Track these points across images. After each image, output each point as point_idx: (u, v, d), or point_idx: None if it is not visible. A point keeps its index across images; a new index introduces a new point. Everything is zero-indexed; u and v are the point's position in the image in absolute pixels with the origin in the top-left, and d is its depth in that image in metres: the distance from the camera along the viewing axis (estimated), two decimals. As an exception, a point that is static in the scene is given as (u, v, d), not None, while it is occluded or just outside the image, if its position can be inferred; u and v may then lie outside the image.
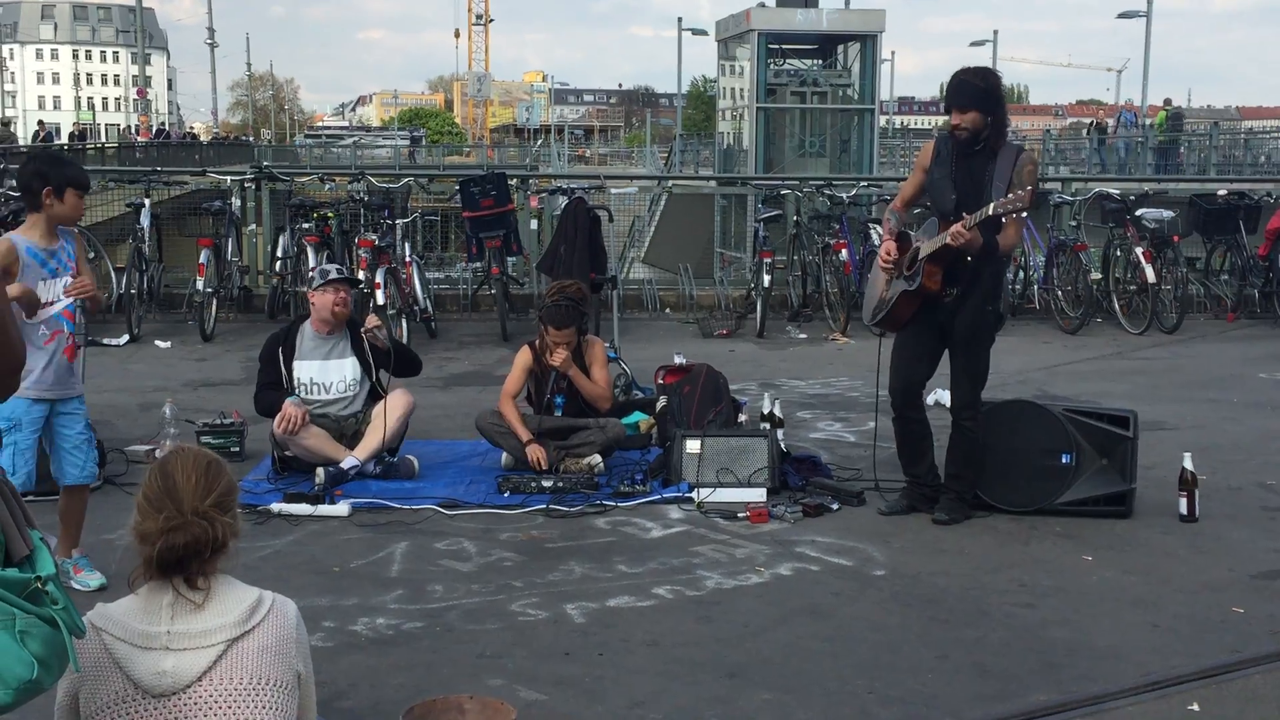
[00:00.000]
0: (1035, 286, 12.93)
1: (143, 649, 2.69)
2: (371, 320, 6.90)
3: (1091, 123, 34.38)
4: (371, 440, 6.70)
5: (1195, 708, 4.10)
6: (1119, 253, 12.47)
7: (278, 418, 6.61)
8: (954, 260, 5.83)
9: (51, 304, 5.10)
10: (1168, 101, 34.41)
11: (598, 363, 7.08)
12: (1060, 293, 12.46)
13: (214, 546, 2.74)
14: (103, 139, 66.03)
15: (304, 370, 6.86)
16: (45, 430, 5.19)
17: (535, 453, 6.76)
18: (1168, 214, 12.43)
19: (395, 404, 6.78)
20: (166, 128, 69.05)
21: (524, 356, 7.09)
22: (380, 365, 6.89)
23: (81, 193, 5.18)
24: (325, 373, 6.88)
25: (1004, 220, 5.73)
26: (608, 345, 7.65)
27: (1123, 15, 42.58)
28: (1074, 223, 12.86)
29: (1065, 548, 5.73)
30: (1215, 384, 9.69)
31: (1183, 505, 6.09)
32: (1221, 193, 13.56)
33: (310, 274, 11.05)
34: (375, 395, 6.93)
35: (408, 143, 47.64)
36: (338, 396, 6.88)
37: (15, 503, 2.36)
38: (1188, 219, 13.06)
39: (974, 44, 48.72)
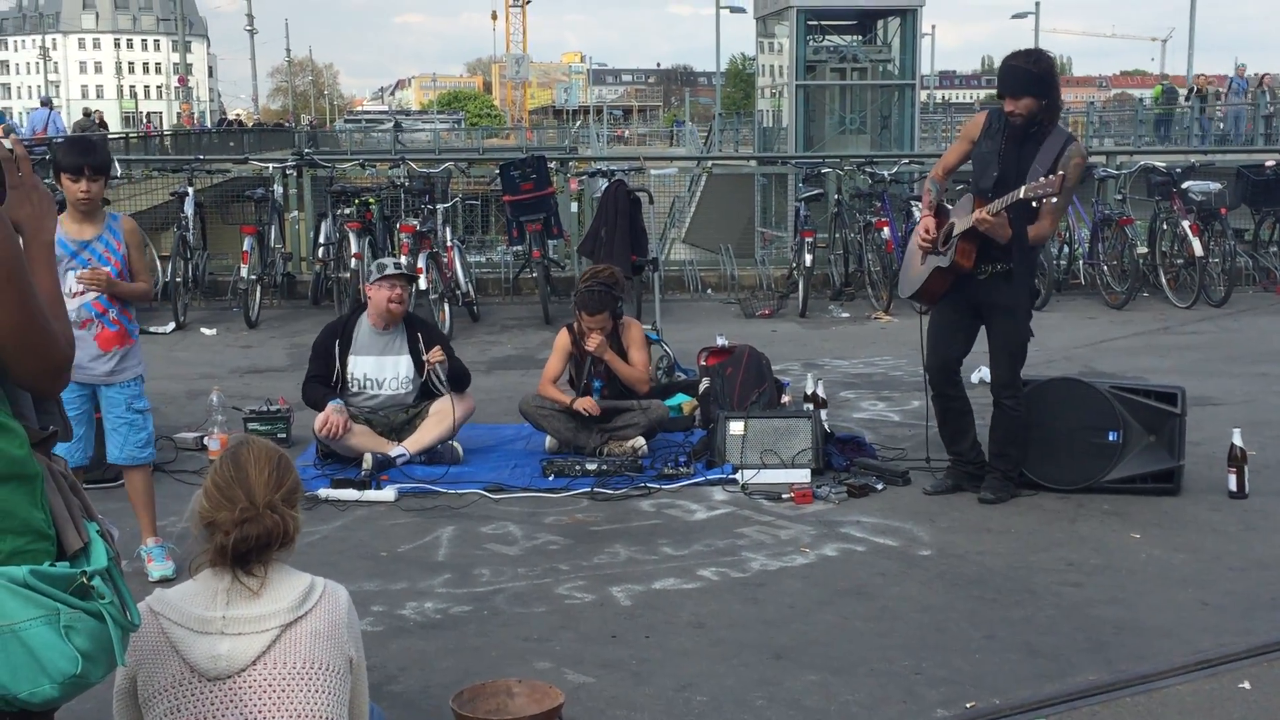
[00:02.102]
0: (1080, 261, 12.80)
1: (199, 633, 2.74)
2: (436, 355, 6.77)
3: (1191, 89, 32.48)
4: (425, 436, 6.69)
5: (1246, 686, 4.07)
6: (1165, 226, 12.32)
7: (319, 421, 6.61)
8: (988, 238, 5.77)
9: (81, 293, 5.10)
10: (1164, 77, 34.15)
11: (635, 345, 7.08)
12: (1106, 267, 12.34)
13: (283, 540, 2.80)
14: (141, 126, 66.59)
15: (358, 365, 6.85)
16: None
17: (584, 403, 6.78)
18: (1215, 186, 12.27)
19: (458, 406, 6.75)
20: (227, 115, 69.56)
21: (563, 340, 7.11)
22: (437, 389, 6.82)
23: (74, 176, 5.02)
24: (380, 369, 6.86)
25: (1036, 206, 5.66)
26: (649, 327, 7.65)
27: (1168, -17, 41.74)
28: (1119, 196, 12.73)
29: (1113, 526, 5.69)
30: (1265, 358, 9.57)
31: (1232, 482, 6.03)
32: (1269, 163, 13.35)
33: (349, 257, 11.24)
34: (428, 392, 6.91)
35: (392, 126, 47.02)
36: (391, 393, 6.87)
37: (74, 494, 2.38)
38: (1235, 191, 12.88)
39: (1016, 16, 48.04)
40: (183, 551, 5.26)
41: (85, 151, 5.17)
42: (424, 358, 6.80)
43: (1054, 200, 5.60)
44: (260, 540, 2.76)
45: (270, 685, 2.74)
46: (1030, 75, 5.71)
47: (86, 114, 35.48)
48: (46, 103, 30.53)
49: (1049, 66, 5.81)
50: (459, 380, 6.91)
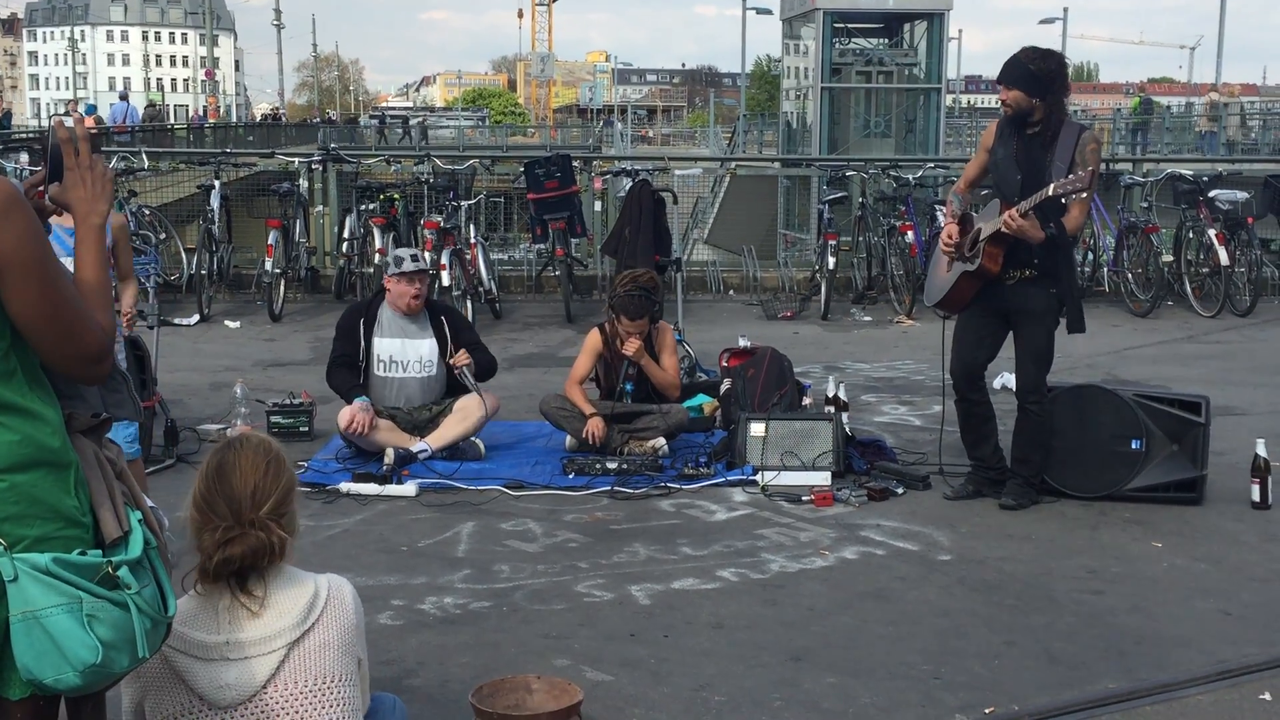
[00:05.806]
0: (1105, 269, 12.75)
1: (203, 660, 2.63)
2: (461, 358, 6.79)
3: None
4: (449, 432, 6.72)
5: (1267, 697, 4.05)
6: (1191, 234, 12.26)
7: (345, 418, 6.59)
8: (1016, 242, 5.76)
9: None
10: (1141, 89, 37.51)
11: (667, 350, 7.09)
12: (1131, 275, 12.29)
13: (270, 558, 2.67)
14: (173, 119, 67.26)
15: (383, 347, 6.90)
16: None
17: (593, 425, 6.77)
18: (1241, 195, 12.20)
19: (482, 404, 6.78)
20: (275, 111, 70.34)
21: (594, 340, 7.11)
22: (464, 385, 6.87)
23: None
24: (404, 351, 6.91)
25: (1065, 202, 5.65)
26: (672, 328, 7.64)
27: (1197, -9, 41.77)
28: (1145, 204, 12.67)
29: (1134, 534, 5.67)
30: (1289, 368, 9.51)
31: (1255, 492, 6.00)
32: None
33: (373, 252, 11.29)
34: (453, 388, 6.94)
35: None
36: (415, 375, 6.92)
37: (118, 482, 2.38)
38: (1262, 200, 12.79)
39: (1043, 21, 47.82)
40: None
41: None
42: (449, 360, 6.83)
43: (1085, 195, 5.58)
44: (245, 559, 2.64)
45: (283, 707, 2.65)
46: (1024, 71, 5.70)
47: (151, 104, 36.71)
48: (124, 96, 31.56)
49: (1051, 68, 5.71)
50: (485, 371, 6.96)
